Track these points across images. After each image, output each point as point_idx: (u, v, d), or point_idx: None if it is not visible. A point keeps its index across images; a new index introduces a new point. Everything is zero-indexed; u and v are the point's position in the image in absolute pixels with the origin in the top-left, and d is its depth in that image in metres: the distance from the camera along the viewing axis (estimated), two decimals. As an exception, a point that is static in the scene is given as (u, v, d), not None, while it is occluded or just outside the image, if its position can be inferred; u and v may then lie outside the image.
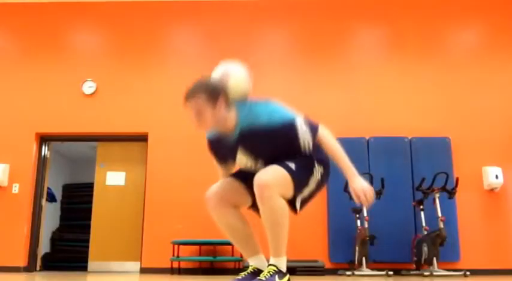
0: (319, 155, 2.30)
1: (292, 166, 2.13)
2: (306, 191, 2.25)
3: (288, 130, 2.14)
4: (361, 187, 2.19)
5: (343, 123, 6.57)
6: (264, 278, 2.03)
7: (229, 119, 2.16)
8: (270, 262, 2.10)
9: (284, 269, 2.10)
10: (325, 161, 2.33)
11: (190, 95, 2.21)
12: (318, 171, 2.25)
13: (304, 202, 2.29)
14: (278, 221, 2.05)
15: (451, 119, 6.60)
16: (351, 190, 2.21)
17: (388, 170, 6.22)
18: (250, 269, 2.23)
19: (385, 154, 6.41)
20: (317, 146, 2.28)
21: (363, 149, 6.45)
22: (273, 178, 2.05)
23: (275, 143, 2.16)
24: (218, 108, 2.11)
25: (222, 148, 2.31)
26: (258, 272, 2.20)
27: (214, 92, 2.12)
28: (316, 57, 6.93)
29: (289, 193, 2.13)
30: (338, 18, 7.10)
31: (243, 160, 2.26)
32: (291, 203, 2.19)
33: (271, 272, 2.06)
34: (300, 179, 2.16)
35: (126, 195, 7.11)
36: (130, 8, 7.18)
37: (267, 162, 2.17)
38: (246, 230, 2.26)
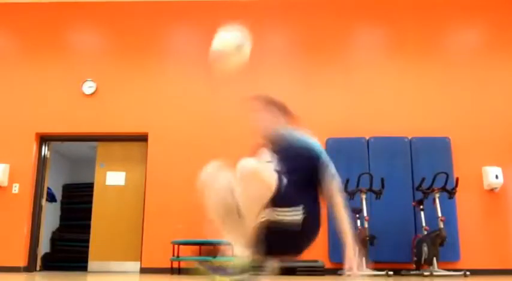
0: (314, 207, 2.33)
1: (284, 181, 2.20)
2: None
3: (317, 162, 2.34)
4: (353, 257, 2.26)
5: (343, 123, 6.58)
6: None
7: (278, 131, 2.43)
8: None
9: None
10: (313, 215, 2.32)
11: (264, 98, 2.50)
12: (299, 213, 2.24)
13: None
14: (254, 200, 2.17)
15: (451, 119, 6.60)
16: (345, 255, 2.26)
17: (388, 170, 6.21)
18: None
19: (385, 154, 6.41)
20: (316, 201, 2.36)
21: (363, 149, 6.44)
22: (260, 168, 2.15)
23: (302, 168, 2.32)
24: (276, 120, 2.42)
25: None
26: None
27: (281, 108, 2.45)
28: (316, 57, 6.93)
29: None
30: (338, 18, 7.10)
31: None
32: None
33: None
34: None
35: (126, 195, 7.11)
36: (130, 8, 7.18)
37: (288, 174, 2.27)
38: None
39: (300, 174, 2.28)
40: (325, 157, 2.37)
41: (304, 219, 2.23)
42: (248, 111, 2.44)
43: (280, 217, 2.20)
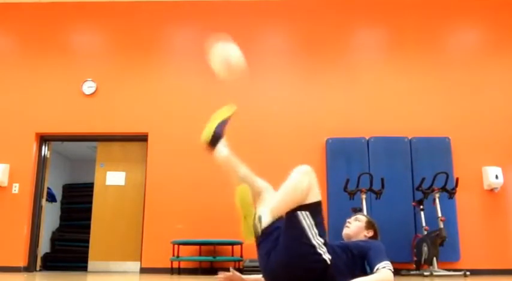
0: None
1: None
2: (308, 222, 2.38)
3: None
4: None
5: (343, 124, 6.58)
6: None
7: (358, 237, 2.70)
8: (259, 212, 2.36)
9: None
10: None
11: (366, 215, 2.89)
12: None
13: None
14: (295, 188, 2.35)
15: (451, 119, 6.60)
16: None
17: (388, 170, 6.21)
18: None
19: (385, 154, 6.41)
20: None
21: (363, 149, 6.44)
22: (314, 176, 2.46)
23: (363, 249, 2.49)
24: (364, 232, 2.72)
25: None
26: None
27: (372, 226, 2.76)
28: (316, 57, 6.93)
29: (313, 193, 2.39)
30: (338, 18, 7.10)
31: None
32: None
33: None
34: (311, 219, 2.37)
35: (126, 195, 7.11)
36: (131, 8, 7.18)
37: (348, 243, 2.57)
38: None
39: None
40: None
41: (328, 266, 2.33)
42: (354, 220, 2.76)
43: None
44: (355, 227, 2.71)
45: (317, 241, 2.31)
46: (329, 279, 2.32)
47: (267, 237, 2.41)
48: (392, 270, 2.34)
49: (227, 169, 2.91)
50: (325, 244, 2.34)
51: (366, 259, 2.41)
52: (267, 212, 2.34)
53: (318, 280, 2.31)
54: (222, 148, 3.02)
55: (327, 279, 2.32)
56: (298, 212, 2.33)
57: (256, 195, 2.66)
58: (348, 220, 2.76)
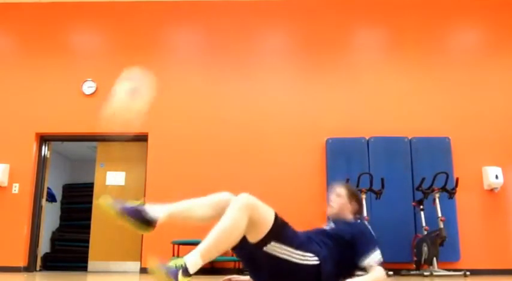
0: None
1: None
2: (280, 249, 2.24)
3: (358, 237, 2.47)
4: None
5: (343, 124, 6.58)
6: (170, 266, 1.97)
7: (345, 216, 2.67)
8: (186, 257, 2.05)
9: (192, 272, 2.01)
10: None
11: (342, 184, 2.78)
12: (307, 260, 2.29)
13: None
14: (230, 231, 2.10)
15: (451, 119, 6.60)
16: None
17: (388, 170, 6.21)
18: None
19: (385, 154, 6.41)
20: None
21: (363, 149, 6.44)
22: (256, 204, 2.18)
23: (348, 238, 2.46)
24: (348, 206, 2.67)
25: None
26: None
27: (354, 196, 2.71)
28: (316, 57, 6.93)
29: (264, 222, 2.18)
30: (338, 18, 7.10)
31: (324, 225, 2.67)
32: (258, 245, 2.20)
33: (177, 265, 1.99)
34: (279, 232, 2.22)
35: (126, 195, 7.10)
36: (131, 8, 7.18)
37: (334, 231, 2.52)
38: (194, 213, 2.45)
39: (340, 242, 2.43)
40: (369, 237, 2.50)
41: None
42: (335, 196, 2.70)
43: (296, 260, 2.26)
44: (338, 205, 2.67)
45: (298, 256, 2.24)
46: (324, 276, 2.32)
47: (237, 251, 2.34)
48: (382, 260, 2.39)
49: (182, 215, 2.56)
50: (305, 249, 2.27)
51: (353, 249, 2.41)
52: (196, 254, 2.06)
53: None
54: (154, 212, 2.47)
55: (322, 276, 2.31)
56: (264, 249, 2.18)
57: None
58: (330, 198, 2.71)
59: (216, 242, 2.08)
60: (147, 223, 2.23)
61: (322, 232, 2.51)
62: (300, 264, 2.23)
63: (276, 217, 2.23)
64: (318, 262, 2.27)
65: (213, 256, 2.08)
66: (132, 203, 2.22)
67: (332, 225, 2.62)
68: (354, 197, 2.71)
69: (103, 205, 2.26)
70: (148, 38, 7.06)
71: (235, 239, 2.12)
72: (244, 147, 6.59)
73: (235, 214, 2.11)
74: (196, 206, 2.39)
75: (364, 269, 2.43)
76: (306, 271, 2.25)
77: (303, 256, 2.25)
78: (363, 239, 2.43)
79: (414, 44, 6.90)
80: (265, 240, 2.18)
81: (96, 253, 6.97)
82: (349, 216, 2.68)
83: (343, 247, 2.41)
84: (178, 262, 2.01)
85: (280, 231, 2.22)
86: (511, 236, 6.23)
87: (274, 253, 2.20)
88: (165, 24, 7.14)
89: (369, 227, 2.62)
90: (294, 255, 2.23)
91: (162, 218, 2.29)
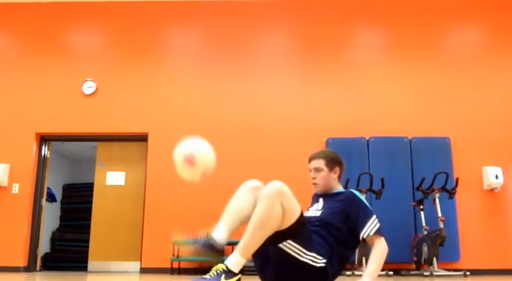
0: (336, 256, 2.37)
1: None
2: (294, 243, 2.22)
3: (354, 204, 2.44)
4: None
5: (343, 123, 6.58)
6: (208, 277, 1.99)
7: (333, 186, 2.57)
8: (226, 260, 2.07)
9: (236, 271, 2.05)
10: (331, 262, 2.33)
11: (317, 155, 2.60)
12: (315, 258, 2.26)
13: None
14: (265, 222, 2.09)
15: (451, 119, 6.60)
16: None
17: (388, 170, 6.21)
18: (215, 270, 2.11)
19: (385, 154, 6.41)
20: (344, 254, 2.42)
21: (363, 149, 6.44)
22: (288, 193, 2.16)
23: (341, 215, 2.42)
24: (332, 175, 2.55)
25: (313, 200, 2.66)
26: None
27: (333, 161, 2.56)
28: (316, 57, 6.93)
29: (291, 214, 2.15)
30: (338, 18, 7.10)
31: (314, 209, 2.57)
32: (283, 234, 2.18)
33: (218, 271, 2.02)
34: (301, 231, 2.23)
35: (126, 195, 7.11)
36: (131, 8, 7.18)
37: (325, 216, 2.44)
38: (245, 213, 2.24)
39: (338, 214, 2.40)
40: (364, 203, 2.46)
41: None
42: (315, 172, 2.56)
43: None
44: (322, 179, 2.54)
45: (310, 257, 2.22)
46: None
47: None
48: (379, 225, 2.37)
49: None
50: (316, 251, 2.25)
51: (349, 224, 2.39)
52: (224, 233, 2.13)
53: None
54: (220, 239, 2.23)
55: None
56: (281, 246, 2.18)
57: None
58: (311, 176, 2.57)
59: (253, 234, 2.08)
60: (219, 251, 2.17)
61: (316, 221, 2.43)
62: (309, 265, 2.22)
63: (302, 213, 2.23)
64: (324, 264, 2.26)
65: (254, 248, 2.10)
66: (203, 237, 2.17)
67: (321, 205, 2.53)
68: (335, 162, 2.56)
69: (178, 243, 2.29)
70: (148, 38, 7.06)
71: (272, 226, 2.10)
72: (244, 147, 6.59)
73: (268, 201, 2.09)
74: (242, 203, 2.27)
75: (365, 242, 2.40)
76: (314, 271, 2.24)
77: (314, 257, 2.23)
78: (355, 210, 2.39)
79: (414, 44, 6.90)
80: (284, 235, 2.16)
81: (96, 253, 6.97)
82: (337, 184, 2.59)
83: (340, 232, 2.37)
84: (218, 267, 2.05)
85: (300, 228, 2.21)
86: (511, 236, 6.23)
87: (288, 250, 2.19)
88: (165, 24, 7.14)
89: (358, 193, 2.51)
90: (306, 256, 2.21)
91: (226, 239, 2.21)
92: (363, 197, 2.52)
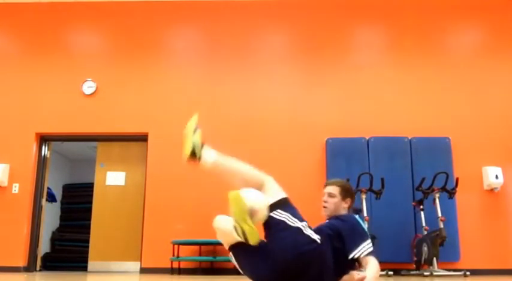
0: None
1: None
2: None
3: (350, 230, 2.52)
4: None
5: (343, 123, 6.58)
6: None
7: (340, 212, 2.70)
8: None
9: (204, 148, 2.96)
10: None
11: (334, 182, 2.77)
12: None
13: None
14: (246, 171, 2.75)
15: (451, 119, 6.60)
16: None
17: (388, 170, 6.21)
18: None
19: (385, 154, 6.41)
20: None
21: (363, 149, 6.44)
22: (276, 186, 2.59)
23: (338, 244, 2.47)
24: (342, 204, 2.70)
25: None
26: None
27: (347, 192, 2.71)
28: (316, 57, 6.93)
29: (273, 192, 2.53)
30: (338, 18, 7.10)
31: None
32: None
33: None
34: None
35: (126, 195, 7.11)
36: (130, 8, 7.18)
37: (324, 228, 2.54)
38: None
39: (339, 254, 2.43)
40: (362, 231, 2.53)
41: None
42: (328, 197, 2.70)
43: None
44: (333, 205, 2.68)
45: (301, 224, 2.37)
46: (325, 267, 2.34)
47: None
48: (373, 249, 2.40)
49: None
50: (308, 227, 2.40)
51: (344, 242, 2.42)
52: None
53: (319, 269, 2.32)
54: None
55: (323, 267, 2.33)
56: (271, 214, 2.40)
57: (257, 187, 2.55)
58: (323, 199, 2.71)
59: (233, 165, 2.76)
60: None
61: (316, 231, 2.49)
62: (302, 231, 2.35)
63: (287, 197, 2.52)
64: (318, 241, 2.33)
65: (224, 165, 2.82)
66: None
67: (325, 223, 2.63)
68: (348, 193, 2.70)
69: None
70: (148, 38, 7.06)
71: (248, 177, 2.62)
72: (244, 147, 6.58)
73: (257, 172, 2.61)
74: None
75: (357, 262, 2.42)
76: (305, 242, 2.32)
77: (304, 227, 2.38)
78: (349, 229, 2.45)
79: (414, 44, 6.90)
80: (273, 207, 2.43)
81: (96, 253, 6.97)
82: (344, 212, 2.69)
83: (335, 241, 2.41)
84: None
85: (287, 204, 2.50)
86: (511, 236, 6.23)
87: (278, 217, 2.41)
88: (165, 24, 7.14)
89: (359, 219, 2.61)
90: (296, 223, 2.38)
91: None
92: (363, 223, 2.58)
